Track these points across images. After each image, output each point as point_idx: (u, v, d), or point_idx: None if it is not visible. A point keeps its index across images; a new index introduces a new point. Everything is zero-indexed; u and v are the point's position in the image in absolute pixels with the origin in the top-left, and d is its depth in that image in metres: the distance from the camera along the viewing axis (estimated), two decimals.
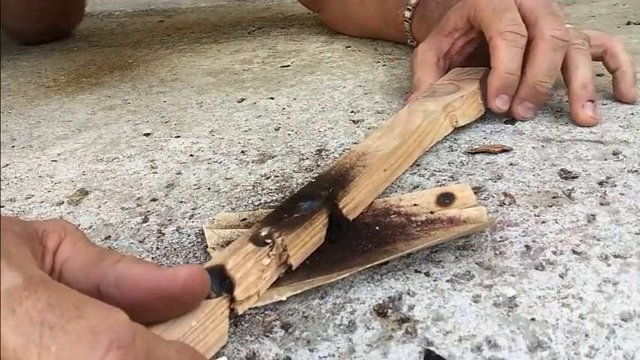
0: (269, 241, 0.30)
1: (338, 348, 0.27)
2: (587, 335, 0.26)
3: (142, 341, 0.19)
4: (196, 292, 0.25)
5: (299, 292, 0.29)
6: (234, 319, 0.29)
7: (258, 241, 0.30)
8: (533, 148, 0.43)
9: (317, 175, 0.36)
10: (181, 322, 0.25)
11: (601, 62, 0.52)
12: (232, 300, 0.28)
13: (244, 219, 0.36)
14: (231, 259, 0.28)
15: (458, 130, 0.47)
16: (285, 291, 0.29)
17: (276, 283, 0.30)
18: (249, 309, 0.29)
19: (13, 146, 0.52)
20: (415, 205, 0.36)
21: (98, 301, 0.20)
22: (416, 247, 0.31)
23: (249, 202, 0.39)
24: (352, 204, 0.35)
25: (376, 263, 0.30)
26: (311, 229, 0.32)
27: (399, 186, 0.40)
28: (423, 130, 0.42)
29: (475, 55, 0.52)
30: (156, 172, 0.45)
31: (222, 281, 0.28)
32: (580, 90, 0.46)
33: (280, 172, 0.43)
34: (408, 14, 0.63)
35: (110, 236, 0.37)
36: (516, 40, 0.45)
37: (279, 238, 0.30)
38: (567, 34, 0.46)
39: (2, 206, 0.41)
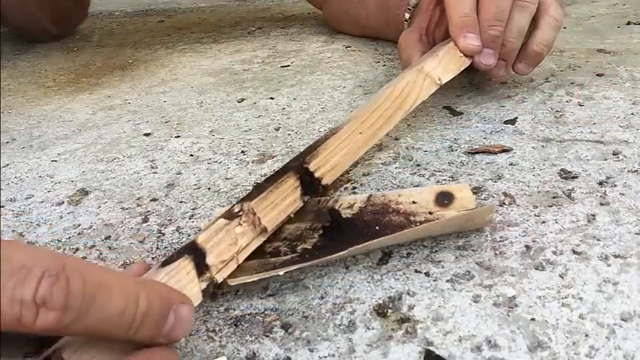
0: (239, 212, 0.31)
1: (338, 348, 0.27)
2: (587, 335, 0.26)
3: (72, 267, 0.20)
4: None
5: (296, 267, 0.30)
6: (234, 319, 0.29)
7: (229, 215, 0.31)
8: (533, 148, 0.43)
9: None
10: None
11: (599, 61, 0.51)
12: (207, 267, 0.29)
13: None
14: (202, 235, 0.30)
15: (458, 130, 0.47)
16: (282, 269, 0.30)
17: (274, 265, 0.31)
18: (249, 312, 0.29)
19: (13, 146, 0.52)
20: (414, 202, 0.36)
21: (25, 245, 0.21)
22: (416, 234, 0.32)
23: None
24: (327, 167, 0.36)
25: (375, 245, 0.31)
26: (279, 192, 0.33)
27: (398, 186, 0.40)
28: (400, 92, 0.42)
29: None
30: (156, 172, 0.45)
31: (194, 252, 0.29)
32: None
33: None
34: (407, 15, 0.64)
35: (110, 236, 0.37)
36: None
37: (246, 204, 0.32)
38: None
39: (2, 206, 0.41)
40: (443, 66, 0.46)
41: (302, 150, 0.38)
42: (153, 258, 0.34)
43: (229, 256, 0.30)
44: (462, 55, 0.47)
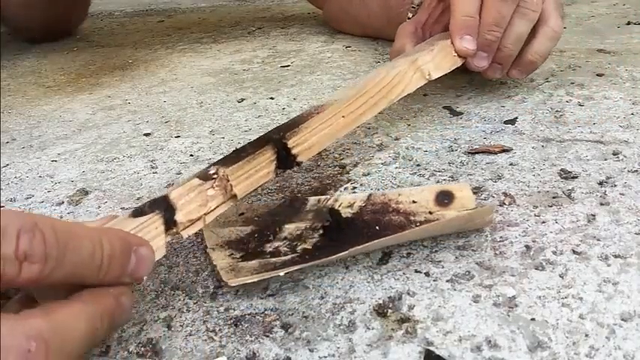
0: (214, 175, 0.32)
1: (338, 348, 0.27)
2: (587, 335, 0.26)
3: (43, 223, 0.22)
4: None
5: (296, 268, 0.30)
6: (234, 319, 0.29)
7: (204, 176, 0.32)
8: (533, 148, 0.43)
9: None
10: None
11: (599, 61, 0.51)
12: (175, 223, 0.30)
13: (242, 213, 0.36)
14: (175, 190, 0.31)
15: (458, 130, 0.47)
16: (284, 268, 0.30)
17: (275, 265, 0.31)
18: (249, 312, 0.29)
19: (13, 146, 0.52)
20: (414, 202, 0.36)
21: None
22: (416, 234, 0.32)
23: (249, 202, 0.39)
24: (305, 145, 0.37)
25: (376, 245, 0.31)
26: (255, 163, 0.34)
27: (398, 186, 0.40)
28: (388, 82, 0.43)
29: None
30: (156, 172, 0.45)
31: (165, 208, 0.30)
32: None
33: None
34: (410, 14, 0.63)
35: None
36: None
37: (222, 170, 0.32)
38: None
39: (2, 206, 0.41)
40: (436, 62, 0.46)
41: (286, 123, 0.38)
42: None
43: (197, 216, 0.31)
44: (455, 54, 0.47)
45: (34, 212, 0.40)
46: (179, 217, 0.30)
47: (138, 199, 0.41)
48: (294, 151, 0.36)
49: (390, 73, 0.43)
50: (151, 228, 0.29)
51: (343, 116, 0.39)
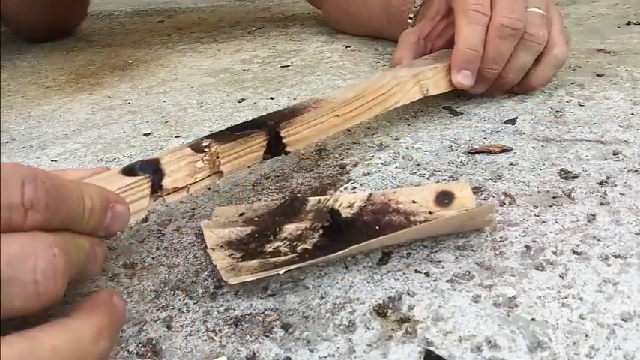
0: (206, 148, 0.34)
1: (338, 348, 0.27)
2: (587, 335, 0.26)
3: (42, 175, 0.23)
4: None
5: (296, 267, 0.30)
6: (234, 319, 0.29)
7: (196, 148, 0.34)
8: (533, 148, 0.43)
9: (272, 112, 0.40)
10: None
11: (599, 61, 0.52)
12: (160, 188, 0.32)
13: (242, 213, 0.36)
14: (167, 155, 0.33)
15: (458, 130, 0.47)
16: (284, 267, 0.30)
17: (275, 265, 0.31)
18: (249, 312, 0.29)
19: (13, 146, 0.52)
20: (414, 202, 0.36)
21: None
22: (416, 234, 0.32)
23: (249, 202, 0.39)
24: (296, 136, 0.38)
25: (375, 244, 0.31)
26: (246, 146, 0.35)
27: (398, 186, 0.40)
28: (387, 90, 0.44)
29: None
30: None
31: (154, 171, 0.32)
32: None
33: (280, 172, 0.43)
34: (411, 14, 0.63)
35: None
36: (478, 19, 0.46)
37: (214, 146, 0.34)
38: (517, 22, 0.46)
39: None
40: (435, 80, 0.47)
41: (283, 110, 0.40)
42: (153, 258, 0.34)
43: (183, 185, 0.33)
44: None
45: None
46: (166, 182, 0.32)
47: None
48: (284, 140, 0.38)
49: (390, 82, 0.44)
50: (138, 190, 0.31)
51: (337, 115, 0.40)
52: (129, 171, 0.31)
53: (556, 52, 0.50)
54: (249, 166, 0.36)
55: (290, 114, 0.39)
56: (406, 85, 0.45)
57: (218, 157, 0.34)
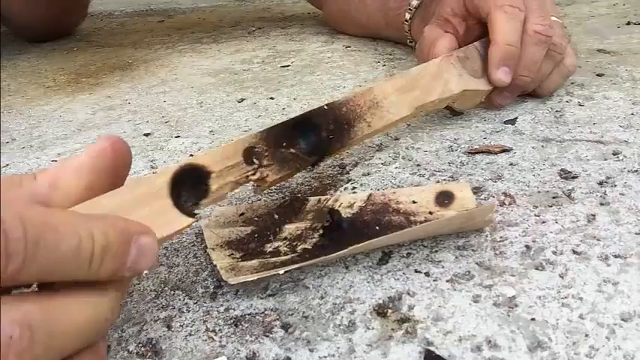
0: (256, 163, 0.32)
1: (338, 348, 0.27)
2: (587, 335, 0.26)
3: (11, 214, 0.19)
4: (125, 154, 0.26)
5: (296, 267, 0.30)
6: (234, 319, 0.29)
7: (249, 157, 0.32)
8: (533, 148, 0.43)
9: (330, 103, 0.37)
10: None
11: (599, 61, 0.51)
12: (196, 204, 0.29)
13: (242, 213, 0.36)
14: (217, 166, 0.30)
15: (458, 130, 0.47)
16: (284, 267, 0.30)
17: (274, 265, 0.31)
18: (249, 312, 0.29)
19: (13, 146, 0.52)
20: (414, 202, 0.36)
21: None
22: (416, 233, 0.32)
23: (250, 202, 0.39)
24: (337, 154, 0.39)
25: (375, 244, 0.31)
26: (292, 172, 0.34)
27: (398, 186, 0.40)
28: (432, 105, 0.43)
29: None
30: (156, 172, 0.45)
31: (197, 184, 0.29)
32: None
33: None
34: (408, 16, 0.64)
35: None
36: (516, 15, 0.45)
37: (265, 171, 0.32)
38: (550, 30, 0.46)
39: None
40: (463, 100, 0.46)
41: (338, 101, 0.38)
42: None
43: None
44: (484, 100, 0.48)
45: None
46: (203, 202, 0.29)
47: None
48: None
49: (440, 97, 0.43)
50: (175, 226, 0.27)
51: (387, 133, 0.41)
52: (178, 198, 0.27)
53: (567, 62, 0.49)
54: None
55: (345, 130, 0.37)
56: (446, 101, 0.44)
57: (264, 180, 0.32)
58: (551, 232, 0.33)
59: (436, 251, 0.32)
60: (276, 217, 0.35)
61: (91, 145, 0.25)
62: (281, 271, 0.29)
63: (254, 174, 0.32)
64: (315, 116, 0.36)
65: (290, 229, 0.34)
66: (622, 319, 0.27)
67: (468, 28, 0.50)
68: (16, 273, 0.19)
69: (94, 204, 0.25)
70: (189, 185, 0.28)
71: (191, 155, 0.47)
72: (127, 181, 0.27)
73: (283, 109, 0.55)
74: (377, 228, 0.34)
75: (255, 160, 0.32)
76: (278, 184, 0.41)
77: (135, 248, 0.23)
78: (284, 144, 0.34)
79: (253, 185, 0.32)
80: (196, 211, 0.28)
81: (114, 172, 0.25)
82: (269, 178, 0.33)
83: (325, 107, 0.37)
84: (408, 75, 0.42)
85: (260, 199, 0.39)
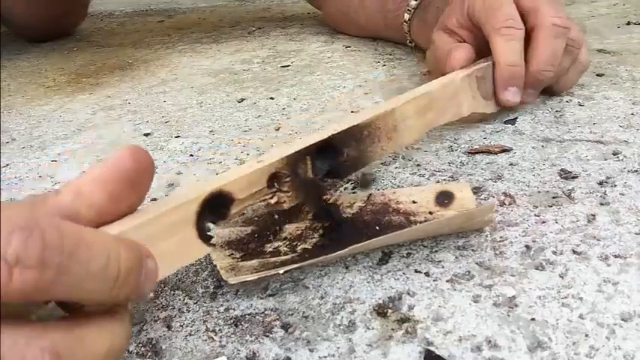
0: (275, 187, 0.32)
1: (338, 348, 0.27)
2: (587, 335, 0.26)
3: (48, 222, 0.19)
4: (146, 162, 0.25)
5: (296, 266, 0.30)
6: (234, 319, 0.29)
7: (271, 182, 0.31)
8: (533, 148, 0.43)
9: (354, 126, 0.35)
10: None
11: (599, 61, 0.51)
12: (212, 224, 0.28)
13: (242, 213, 0.36)
14: (242, 193, 0.30)
15: (458, 130, 0.47)
16: (284, 267, 0.30)
17: (274, 265, 0.31)
18: (249, 312, 0.29)
19: (13, 146, 0.52)
20: (414, 202, 0.36)
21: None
22: (416, 233, 0.32)
23: None
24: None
25: (375, 244, 0.31)
26: (307, 200, 0.33)
27: (398, 186, 0.40)
28: (440, 124, 0.43)
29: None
30: (156, 172, 0.44)
31: (220, 208, 0.29)
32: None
33: None
34: (407, 16, 0.63)
35: None
36: (512, 34, 0.46)
37: (283, 196, 0.32)
38: (567, 22, 0.46)
39: None
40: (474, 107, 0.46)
41: (361, 121, 0.36)
42: None
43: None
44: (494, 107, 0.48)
45: None
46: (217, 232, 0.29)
47: None
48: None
49: (449, 117, 0.43)
50: (194, 254, 0.28)
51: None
52: (202, 228, 0.27)
53: (582, 58, 0.49)
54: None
55: (361, 159, 0.36)
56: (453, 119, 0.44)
57: (279, 204, 0.32)
58: (551, 232, 0.33)
59: (436, 251, 0.32)
60: (276, 217, 0.35)
61: (110, 155, 0.24)
62: (281, 271, 0.29)
63: (272, 197, 0.32)
64: (338, 140, 0.35)
65: (290, 229, 0.34)
66: (622, 319, 0.27)
67: (475, 36, 0.50)
68: (48, 284, 0.19)
69: (123, 230, 0.24)
70: (212, 211, 0.28)
71: (191, 155, 0.47)
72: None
73: (283, 109, 0.55)
74: (377, 228, 0.34)
75: (275, 184, 0.32)
76: None
77: (143, 272, 0.23)
78: (302, 167, 0.33)
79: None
80: (212, 239, 0.28)
81: (136, 181, 0.25)
82: (285, 205, 0.32)
83: (348, 129, 0.35)
84: (429, 94, 0.41)
85: None
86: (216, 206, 0.28)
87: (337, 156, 0.35)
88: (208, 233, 0.28)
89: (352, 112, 0.53)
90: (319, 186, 0.34)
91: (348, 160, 0.35)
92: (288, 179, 0.32)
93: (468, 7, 0.49)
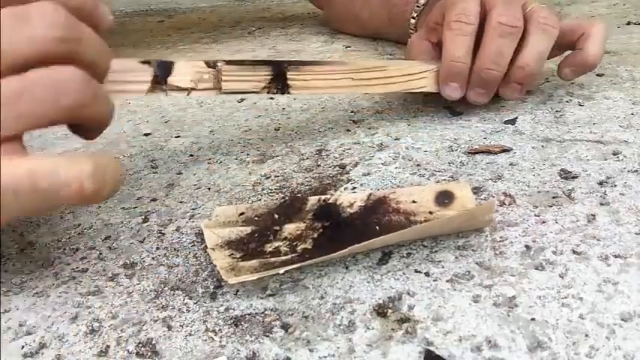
0: (215, 65, 0.39)
1: (338, 348, 0.27)
2: (587, 335, 0.26)
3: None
4: None
5: (296, 266, 0.30)
6: (234, 319, 0.29)
7: (209, 64, 0.39)
8: (533, 148, 0.43)
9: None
10: None
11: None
12: (165, 82, 0.38)
13: (242, 213, 0.36)
14: (182, 61, 0.38)
15: (458, 130, 0.47)
16: (284, 267, 0.30)
17: (274, 265, 0.31)
18: (249, 312, 0.29)
19: None
20: (414, 202, 0.36)
21: None
22: (416, 233, 0.32)
23: (250, 202, 0.39)
24: (302, 82, 0.42)
25: (375, 244, 0.31)
26: (250, 73, 0.40)
27: (398, 186, 0.40)
28: (416, 72, 0.45)
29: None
30: (156, 172, 0.45)
31: (166, 68, 0.37)
32: (516, 70, 0.47)
33: (280, 172, 0.43)
34: (415, 14, 0.63)
35: (110, 236, 0.37)
36: (461, 29, 0.46)
37: (222, 64, 0.40)
38: (516, 21, 0.46)
39: None
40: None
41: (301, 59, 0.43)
42: (153, 258, 0.34)
43: (184, 86, 0.38)
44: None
45: None
46: (171, 80, 0.38)
47: (138, 199, 0.41)
48: (289, 82, 0.42)
49: (421, 67, 0.47)
50: (143, 75, 0.37)
51: (352, 78, 0.43)
52: (146, 61, 0.37)
53: (591, 51, 0.49)
54: (247, 93, 0.42)
55: (301, 63, 0.42)
56: (436, 75, 0.47)
57: (221, 74, 0.39)
58: (551, 232, 0.33)
59: (436, 251, 0.32)
60: (276, 217, 0.35)
61: None
62: (281, 271, 0.29)
63: (212, 72, 0.40)
64: (274, 60, 0.43)
65: (290, 229, 0.34)
66: (622, 319, 0.27)
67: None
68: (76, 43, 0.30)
69: None
70: None
71: (191, 155, 0.47)
72: None
73: (283, 109, 0.55)
74: (377, 228, 0.34)
75: (214, 64, 0.40)
76: (278, 184, 0.41)
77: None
78: (240, 60, 0.41)
79: (214, 83, 0.40)
80: (163, 85, 0.41)
81: None
82: (227, 78, 0.40)
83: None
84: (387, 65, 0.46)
85: (260, 199, 0.39)
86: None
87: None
88: None
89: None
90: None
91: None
92: (222, 62, 0.40)
93: (442, 5, 0.50)
